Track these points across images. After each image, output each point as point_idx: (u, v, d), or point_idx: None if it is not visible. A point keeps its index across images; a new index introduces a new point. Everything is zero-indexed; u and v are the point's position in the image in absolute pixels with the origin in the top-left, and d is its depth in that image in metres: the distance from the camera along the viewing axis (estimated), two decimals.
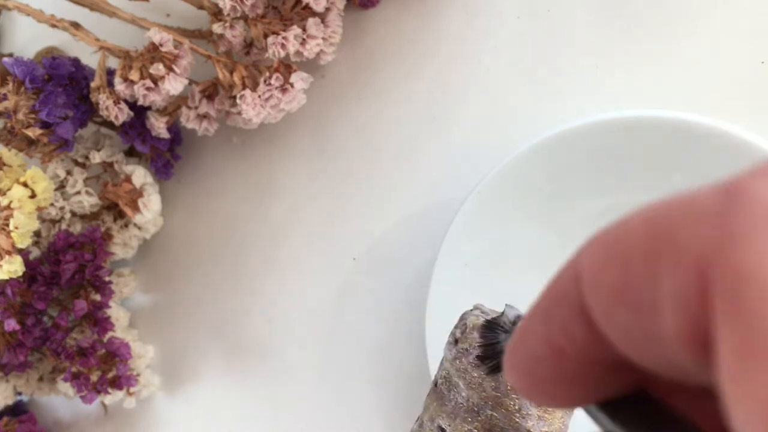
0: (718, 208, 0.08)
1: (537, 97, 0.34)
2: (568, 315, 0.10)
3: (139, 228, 0.40)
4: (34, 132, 0.33)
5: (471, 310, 0.25)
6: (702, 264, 0.08)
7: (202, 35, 0.36)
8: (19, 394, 0.41)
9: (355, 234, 0.37)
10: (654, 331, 0.09)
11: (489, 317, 0.23)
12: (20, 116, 0.33)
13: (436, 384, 0.24)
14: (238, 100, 0.33)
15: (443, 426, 0.23)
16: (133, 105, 0.35)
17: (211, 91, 0.35)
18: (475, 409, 0.23)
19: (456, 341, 0.24)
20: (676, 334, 0.08)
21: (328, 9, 0.34)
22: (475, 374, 0.23)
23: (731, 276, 0.08)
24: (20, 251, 0.32)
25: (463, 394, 0.23)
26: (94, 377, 0.37)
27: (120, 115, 0.34)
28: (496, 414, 0.22)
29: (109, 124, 0.39)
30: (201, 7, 0.35)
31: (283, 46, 0.33)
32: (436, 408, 0.24)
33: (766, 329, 0.07)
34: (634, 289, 0.09)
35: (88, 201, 0.38)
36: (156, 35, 0.33)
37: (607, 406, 0.10)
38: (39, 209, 0.33)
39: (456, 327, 0.24)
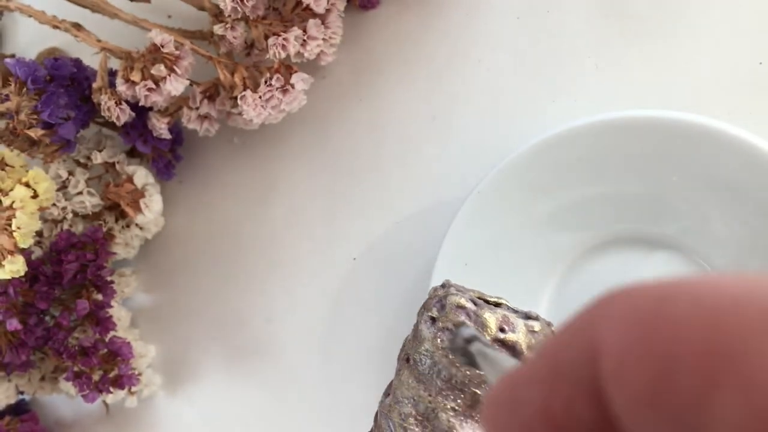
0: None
1: (537, 97, 0.34)
2: (575, 393, 0.09)
3: (141, 228, 0.41)
4: (36, 133, 0.33)
5: (442, 287, 0.25)
6: None
7: (203, 36, 0.36)
8: (21, 393, 0.41)
9: (355, 234, 0.37)
10: None
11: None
12: (22, 117, 0.33)
13: (408, 360, 0.24)
14: (239, 101, 0.33)
15: (425, 403, 0.23)
16: (134, 106, 0.35)
17: (212, 92, 0.36)
18: (459, 387, 0.23)
19: (433, 320, 0.24)
20: None
21: (328, 10, 0.34)
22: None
23: None
24: (22, 251, 0.33)
25: (444, 372, 0.23)
26: (95, 376, 0.37)
27: (121, 115, 0.35)
28: (479, 391, 0.23)
29: (110, 125, 0.39)
30: (202, 9, 0.35)
31: (283, 47, 0.33)
32: (414, 384, 0.24)
33: None
34: (674, 405, 0.07)
35: (90, 201, 0.38)
36: (157, 36, 0.33)
37: None
38: (41, 209, 0.33)
39: (432, 304, 0.24)
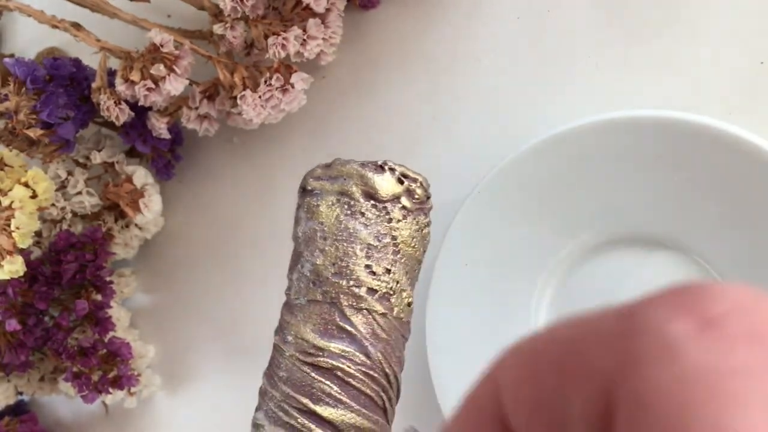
0: (619, 331, 0.09)
1: (537, 97, 0.34)
2: (488, 425, 0.11)
3: (140, 228, 0.41)
4: (35, 132, 0.33)
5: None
6: (606, 386, 0.09)
7: (202, 36, 0.36)
8: (21, 393, 0.41)
9: None
10: None
11: None
12: (21, 117, 0.33)
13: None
14: (238, 101, 0.33)
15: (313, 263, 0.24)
16: (134, 105, 0.35)
17: (211, 92, 0.35)
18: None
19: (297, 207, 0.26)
20: None
21: (328, 10, 0.34)
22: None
23: (631, 403, 0.09)
24: (21, 251, 0.33)
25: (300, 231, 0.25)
26: (95, 377, 0.37)
27: (121, 115, 0.35)
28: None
29: (110, 125, 0.39)
30: (202, 8, 0.35)
31: (283, 46, 0.33)
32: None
33: None
34: (547, 406, 0.10)
35: (89, 201, 0.38)
36: (157, 36, 0.33)
37: None
38: (40, 209, 0.33)
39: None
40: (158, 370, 0.42)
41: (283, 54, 0.33)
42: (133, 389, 0.39)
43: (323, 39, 0.34)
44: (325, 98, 0.38)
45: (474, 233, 0.31)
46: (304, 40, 0.33)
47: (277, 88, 0.33)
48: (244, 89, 0.33)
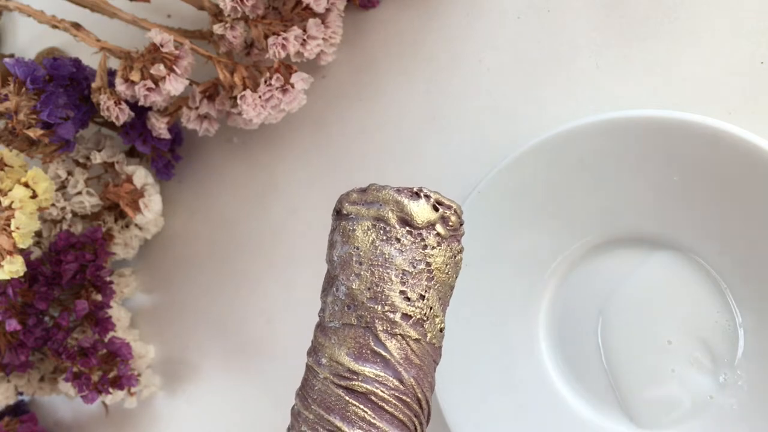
0: None
1: (537, 97, 0.34)
2: None
3: (140, 228, 0.41)
4: (35, 132, 0.33)
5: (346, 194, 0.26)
6: None
7: (202, 36, 0.36)
8: (21, 394, 0.41)
9: None
10: None
11: None
12: (21, 117, 0.33)
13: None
14: (238, 101, 0.33)
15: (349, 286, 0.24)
16: (134, 105, 0.35)
17: (211, 92, 0.35)
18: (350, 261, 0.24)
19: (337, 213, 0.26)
20: None
21: (328, 10, 0.34)
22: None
23: None
24: (21, 251, 0.33)
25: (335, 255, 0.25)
26: (95, 377, 0.37)
27: (121, 115, 0.35)
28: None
29: (110, 125, 0.39)
30: (202, 8, 0.35)
31: (283, 46, 0.33)
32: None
33: None
34: None
35: (89, 201, 0.38)
36: (157, 36, 0.33)
37: None
38: (40, 210, 0.33)
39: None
40: (158, 370, 0.42)
41: (283, 54, 0.33)
42: (133, 389, 0.39)
43: (323, 39, 0.34)
44: (325, 98, 0.38)
45: (474, 233, 0.31)
46: (304, 40, 0.33)
47: (277, 88, 0.33)
48: (244, 89, 0.33)
